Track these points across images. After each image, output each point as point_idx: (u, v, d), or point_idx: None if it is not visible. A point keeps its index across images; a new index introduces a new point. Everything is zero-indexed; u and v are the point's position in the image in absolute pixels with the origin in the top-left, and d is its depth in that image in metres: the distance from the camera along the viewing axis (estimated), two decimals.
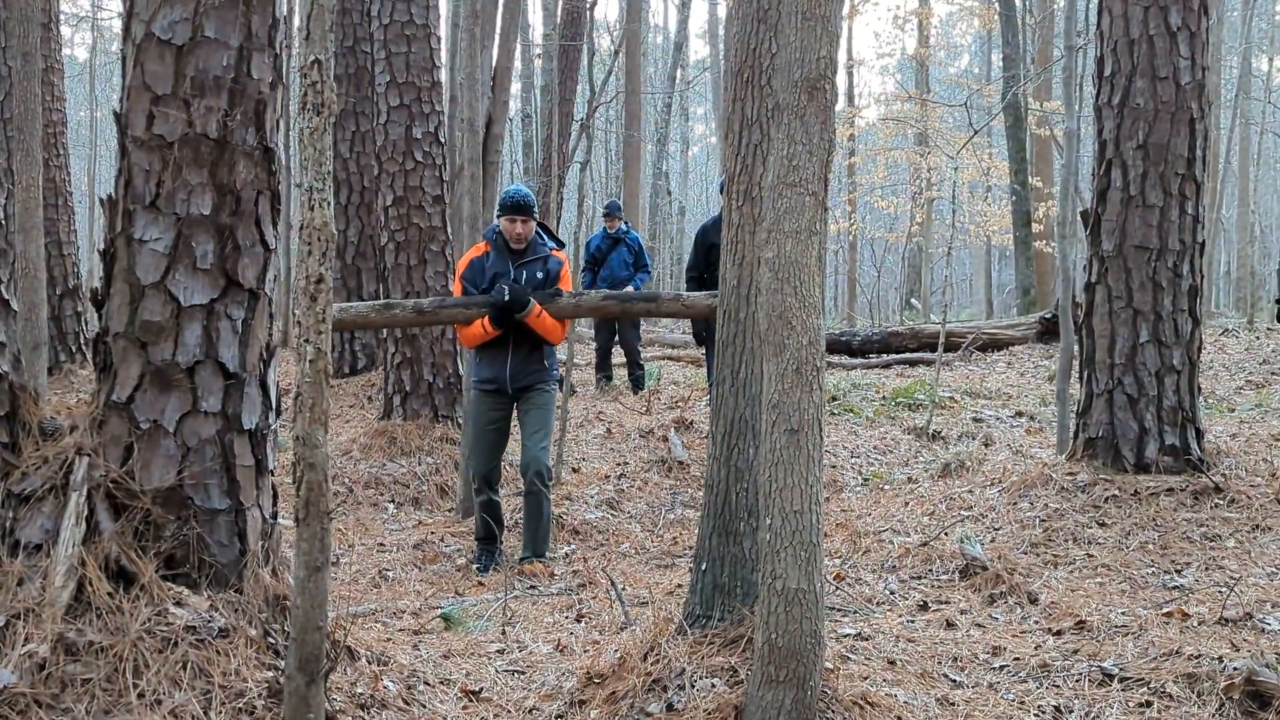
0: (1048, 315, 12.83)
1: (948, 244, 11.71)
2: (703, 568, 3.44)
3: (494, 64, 6.99)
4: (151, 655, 2.64)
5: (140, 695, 2.56)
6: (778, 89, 2.84)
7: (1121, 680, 3.40)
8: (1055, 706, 3.27)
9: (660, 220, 26.54)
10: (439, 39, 8.15)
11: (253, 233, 3.01)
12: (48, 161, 9.89)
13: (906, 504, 6.04)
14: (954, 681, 3.48)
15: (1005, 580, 4.46)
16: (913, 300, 24.06)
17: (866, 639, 3.87)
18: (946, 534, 5.19)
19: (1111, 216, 5.68)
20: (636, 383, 10.17)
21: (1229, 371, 10.60)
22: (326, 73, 2.43)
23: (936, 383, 9.02)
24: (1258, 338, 12.77)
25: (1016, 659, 3.65)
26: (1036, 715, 3.23)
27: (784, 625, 2.75)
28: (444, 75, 8.22)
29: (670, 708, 3.03)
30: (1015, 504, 5.49)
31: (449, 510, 6.51)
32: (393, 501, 6.60)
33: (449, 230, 7.79)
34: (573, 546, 5.85)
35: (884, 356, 12.58)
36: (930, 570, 4.80)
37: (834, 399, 9.47)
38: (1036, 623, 4.07)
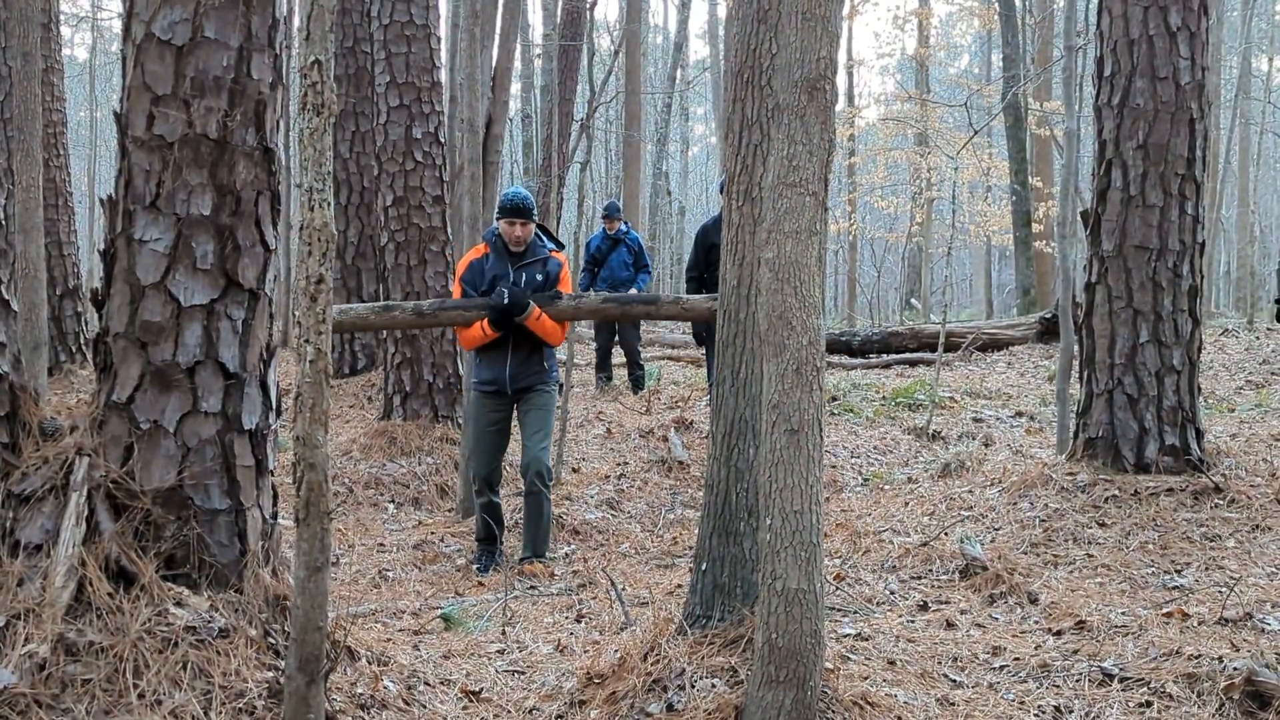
0: (1048, 315, 12.83)
1: (948, 244, 11.71)
2: (703, 568, 3.44)
3: (494, 64, 6.99)
4: (152, 655, 2.64)
5: (140, 695, 2.56)
6: (778, 89, 2.84)
7: (1121, 680, 3.40)
8: (1055, 706, 3.27)
9: (660, 220, 26.55)
10: (439, 39, 8.16)
11: (253, 233, 3.01)
12: (48, 162, 9.89)
13: (906, 504, 6.04)
14: (954, 681, 3.48)
15: (1005, 580, 4.46)
16: (913, 300, 24.06)
17: (866, 639, 3.87)
18: (946, 534, 5.19)
19: (1111, 216, 5.68)
20: (636, 383, 10.17)
21: (1229, 371, 10.60)
22: (326, 73, 2.43)
23: (936, 383, 9.02)
24: (1257, 338, 12.78)
25: (1016, 659, 3.65)
26: (1037, 715, 3.23)
27: (784, 625, 2.75)
28: (444, 75, 8.22)
29: (670, 708, 3.03)
30: (1015, 504, 5.49)
31: (449, 510, 6.51)
32: (393, 502, 6.60)
33: (449, 230, 7.79)
34: (573, 547, 5.85)
35: (884, 356, 12.58)
36: (930, 570, 4.80)
37: (834, 399, 9.47)
38: (1036, 623, 4.07)
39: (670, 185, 29.24)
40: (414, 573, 5.30)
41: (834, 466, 7.37)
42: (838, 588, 4.53)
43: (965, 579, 4.62)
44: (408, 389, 7.69)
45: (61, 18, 13.46)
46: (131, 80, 2.93)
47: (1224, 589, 4.24)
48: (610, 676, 3.29)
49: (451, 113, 7.49)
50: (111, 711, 2.53)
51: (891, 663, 3.60)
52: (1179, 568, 4.65)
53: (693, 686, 3.07)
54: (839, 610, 4.25)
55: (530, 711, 3.33)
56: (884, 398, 9.62)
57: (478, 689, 3.45)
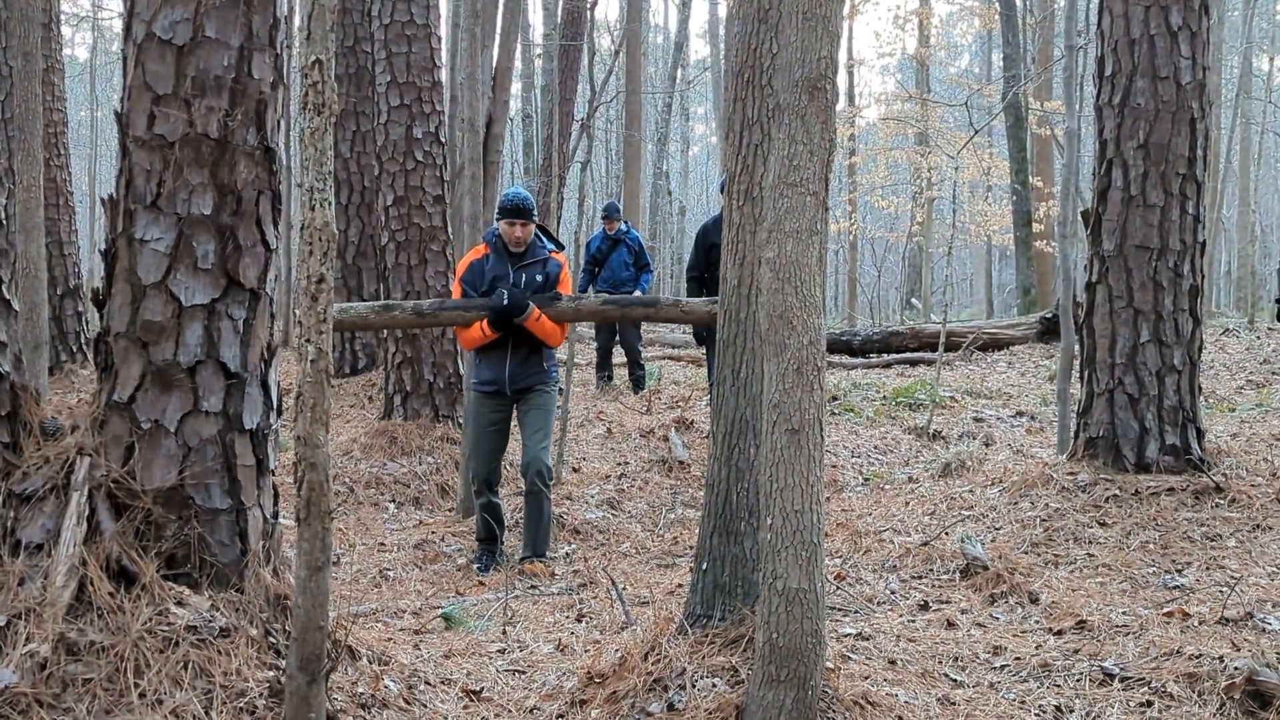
0: (1048, 315, 12.83)
1: (948, 244, 11.71)
2: (704, 567, 3.44)
3: (494, 64, 6.99)
4: (153, 655, 2.64)
5: (141, 695, 2.56)
6: (779, 89, 2.84)
7: (1122, 680, 3.40)
8: (1056, 706, 3.27)
9: (660, 220, 26.55)
10: (439, 39, 8.16)
11: (254, 232, 3.01)
12: (48, 161, 9.89)
13: (907, 504, 6.04)
14: (955, 681, 3.48)
15: (1006, 580, 4.46)
16: (913, 300, 24.05)
17: (867, 638, 3.87)
18: (947, 534, 5.19)
19: (1112, 216, 5.68)
20: (637, 383, 10.17)
21: (1230, 371, 10.60)
22: (327, 73, 2.43)
23: (937, 382, 9.02)
24: (1258, 337, 12.77)
25: (1017, 659, 3.65)
26: (1037, 715, 3.23)
27: (785, 625, 2.75)
28: (444, 75, 8.22)
29: (671, 707, 3.03)
30: (1016, 504, 5.49)
31: (450, 510, 6.51)
32: (393, 501, 6.60)
33: (449, 230, 7.79)
34: (573, 546, 5.85)
35: (884, 356, 12.58)
36: (931, 570, 4.80)
37: (835, 399, 9.47)
38: (1037, 622, 4.07)
39: (671, 185, 29.25)
40: (415, 572, 5.30)
41: (835, 466, 7.37)
42: (838, 587, 4.53)
43: (966, 578, 4.62)
44: (408, 388, 7.69)
45: (62, 17, 13.46)
46: (132, 80, 2.93)
47: (1225, 589, 4.24)
48: (611, 676, 3.29)
49: (452, 112, 7.49)
50: (112, 711, 2.53)
51: (892, 662, 3.60)
52: (1180, 567, 4.65)
53: (694, 686, 3.08)
54: (840, 610, 4.25)
55: (531, 711, 3.33)
56: (884, 397, 9.62)
57: (479, 688, 3.45)
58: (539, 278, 5.38)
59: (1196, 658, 3.45)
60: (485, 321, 5.22)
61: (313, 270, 2.44)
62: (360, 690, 2.99)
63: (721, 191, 5.06)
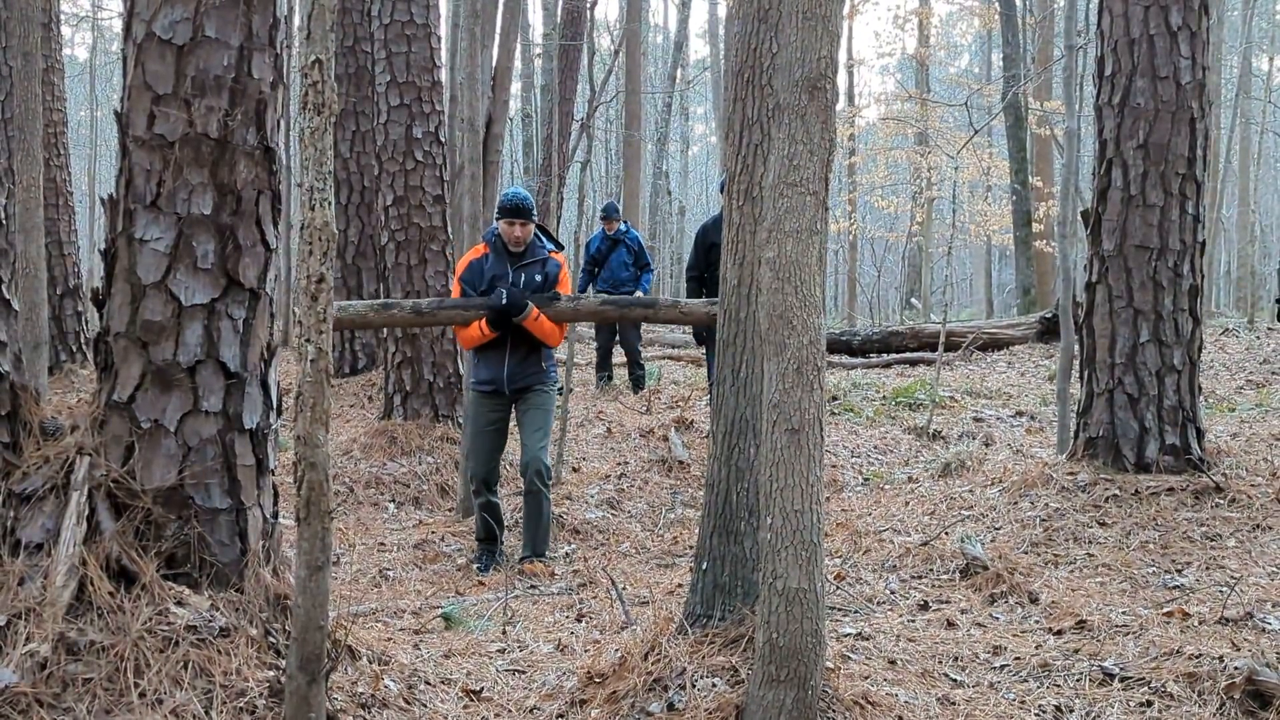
0: (1048, 315, 12.83)
1: (948, 243, 11.71)
2: (703, 567, 3.44)
3: (494, 63, 6.99)
4: (153, 655, 2.64)
5: (141, 695, 2.56)
6: (778, 88, 2.84)
7: (1122, 680, 3.40)
8: (1056, 706, 3.27)
9: (660, 220, 26.55)
10: (439, 38, 8.16)
11: (254, 232, 3.00)
12: (48, 161, 9.89)
13: (907, 503, 6.05)
14: (955, 681, 3.48)
15: (1006, 580, 4.46)
16: (913, 300, 24.05)
17: (867, 638, 3.87)
18: (947, 533, 5.19)
19: (1112, 216, 5.68)
20: (637, 382, 10.17)
21: (1229, 371, 10.60)
22: (327, 72, 2.43)
23: (937, 382, 9.02)
24: (1258, 337, 12.78)
25: (1017, 658, 3.65)
26: (1037, 715, 3.23)
27: (785, 625, 2.75)
28: (444, 75, 8.22)
29: (671, 707, 3.03)
30: (1016, 503, 5.49)
31: (449, 510, 6.51)
32: (393, 501, 6.60)
33: (449, 230, 7.79)
34: (573, 546, 5.85)
35: (884, 356, 12.58)
36: (931, 570, 4.80)
37: (834, 399, 9.47)
38: (1037, 622, 4.07)
39: (670, 185, 29.25)
40: (414, 572, 5.30)
41: (834, 466, 7.37)
42: (838, 587, 4.53)
43: (966, 578, 4.62)
44: (408, 388, 7.69)
45: (62, 17, 13.46)
46: (132, 79, 2.93)
47: (1225, 588, 4.24)
48: (611, 676, 3.29)
49: (452, 112, 7.49)
50: (112, 710, 2.53)
51: (892, 662, 3.60)
52: (1180, 567, 4.65)
53: (693, 686, 3.07)
54: (840, 609, 4.25)
55: (531, 711, 3.33)
56: (884, 397, 9.62)
57: (478, 688, 3.45)
58: (538, 277, 5.38)
59: (1196, 657, 3.45)
60: (484, 321, 5.22)
61: (312, 270, 2.44)
62: (360, 690, 2.99)
63: (721, 191, 5.06)
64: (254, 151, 2.98)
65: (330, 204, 2.44)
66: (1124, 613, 4.07)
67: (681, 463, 7.38)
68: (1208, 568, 4.62)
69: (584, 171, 9.76)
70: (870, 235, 25.72)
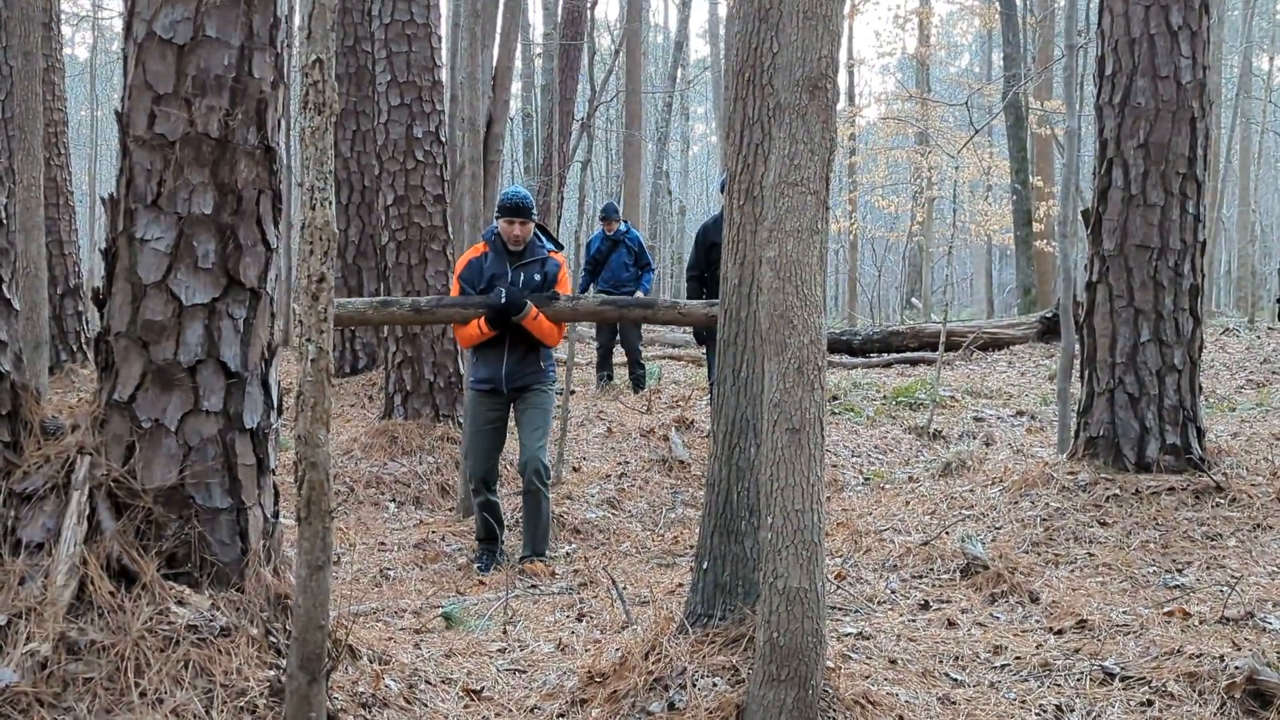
0: (1048, 314, 12.83)
1: (948, 243, 11.74)
2: (704, 567, 3.44)
3: (495, 63, 6.99)
4: (153, 654, 2.64)
5: (142, 694, 2.56)
6: (779, 88, 2.84)
7: (1123, 679, 3.40)
8: (1056, 705, 3.27)
9: (660, 220, 26.55)
10: (440, 38, 8.16)
11: (254, 232, 3.00)
12: (49, 161, 9.89)
13: (907, 503, 6.04)
14: (955, 680, 3.48)
15: (1006, 579, 4.46)
16: (913, 299, 24.05)
17: (868, 638, 3.87)
18: (947, 533, 5.19)
19: (1113, 215, 5.68)
20: (637, 382, 10.17)
21: (1230, 370, 10.60)
22: (328, 72, 2.43)
23: (937, 382, 9.02)
24: (1258, 337, 12.77)
25: (1018, 658, 3.65)
26: (1038, 714, 3.23)
27: (785, 624, 2.75)
28: (445, 74, 8.22)
29: (672, 706, 3.03)
30: (1016, 503, 5.49)
31: (450, 509, 6.51)
32: (394, 501, 6.60)
33: (450, 229, 7.79)
34: (574, 546, 5.85)
35: (885, 356, 12.58)
36: (931, 569, 4.80)
37: (835, 398, 9.47)
38: (1038, 622, 4.07)
39: (671, 184, 29.25)
40: (415, 572, 5.30)
41: (835, 465, 7.37)
42: (839, 587, 4.53)
43: (966, 578, 4.62)
44: (409, 388, 7.69)
45: (62, 17, 13.46)
46: (133, 79, 2.93)
47: (1225, 588, 4.24)
48: (612, 675, 3.29)
49: (452, 112, 7.50)
50: (113, 710, 2.53)
51: (893, 661, 3.60)
52: (1180, 567, 4.65)
53: (694, 685, 3.07)
54: (840, 609, 4.25)
55: (532, 710, 3.33)
56: (885, 397, 9.62)
57: (479, 688, 3.45)
58: (537, 277, 5.38)
59: (1197, 657, 3.45)
60: (482, 319, 5.22)
61: (313, 269, 2.44)
62: (361, 689, 2.99)
63: (722, 191, 5.06)
64: (255, 151, 2.98)
65: (331, 203, 2.44)
66: (1125, 612, 4.07)
67: (682, 462, 7.38)
68: (1208, 567, 4.62)
69: (584, 171, 9.76)
70: (871, 235, 25.72)
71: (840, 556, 5.09)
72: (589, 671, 3.40)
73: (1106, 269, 5.68)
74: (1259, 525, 5.00)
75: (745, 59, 3.44)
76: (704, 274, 8.17)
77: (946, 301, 12.07)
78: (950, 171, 17.09)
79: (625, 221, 10.41)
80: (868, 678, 3.36)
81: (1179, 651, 3.52)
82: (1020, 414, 8.78)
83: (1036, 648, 3.75)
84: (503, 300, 5.17)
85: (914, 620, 4.14)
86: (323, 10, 2.42)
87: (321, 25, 2.42)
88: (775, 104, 2.87)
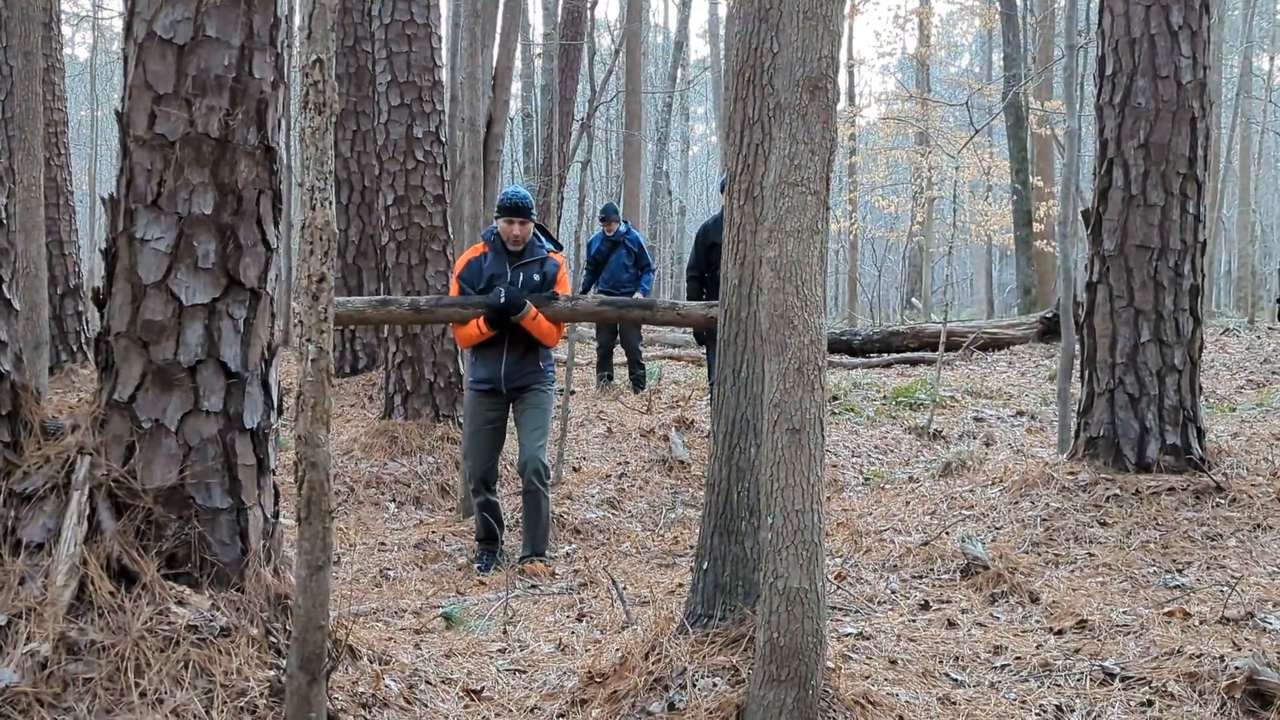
0: (1049, 315, 12.83)
1: (948, 243, 11.75)
2: (704, 567, 3.44)
3: (494, 63, 6.99)
4: (153, 654, 2.64)
5: (142, 694, 2.56)
6: (779, 88, 2.84)
7: (1123, 679, 3.40)
8: (1057, 705, 3.27)
9: (660, 220, 26.55)
10: (440, 38, 8.16)
11: (254, 232, 3.00)
12: (49, 161, 9.89)
13: (908, 503, 6.04)
14: (955, 681, 3.48)
15: (1006, 579, 4.46)
16: (913, 300, 24.05)
17: (868, 638, 3.87)
18: (948, 533, 5.19)
19: (1113, 216, 5.68)
20: (637, 382, 10.17)
21: (1230, 371, 10.60)
22: (328, 72, 2.43)
23: (937, 382, 9.02)
24: (1259, 337, 12.77)
25: (1018, 658, 3.64)
26: (1038, 714, 3.23)
27: (786, 624, 2.75)
28: (445, 75, 8.22)
29: (672, 707, 3.03)
30: (1016, 503, 5.49)
31: (450, 510, 6.51)
32: (394, 501, 6.60)
33: (450, 229, 7.79)
34: (574, 546, 5.85)
35: (885, 356, 12.58)
36: (931, 569, 4.80)
37: (835, 398, 9.47)
38: (1038, 622, 4.07)
39: (671, 185, 29.26)
40: (415, 572, 5.30)
41: (835, 466, 7.37)
42: (839, 587, 4.53)
43: (966, 578, 4.62)
44: (409, 388, 7.69)
45: (62, 17, 13.46)
46: (133, 79, 2.93)
47: (1225, 588, 4.24)
48: (612, 675, 3.29)
49: (452, 112, 7.50)
50: (113, 710, 2.53)
51: (893, 662, 3.60)
52: (1180, 567, 4.65)
53: (694, 685, 3.07)
54: (840, 609, 4.25)
55: (532, 710, 3.33)
56: (885, 397, 9.62)
57: (479, 688, 3.45)
58: (536, 277, 5.38)
59: (1197, 657, 3.45)
60: (482, 319, 5.22)
61: (313, 269, 2.44)
62: (361, 690, 2.99)
63: (722, 191, 5.06)
64: (255, 151, 2.98)
65: (331, 203, 2.44)
66: (1125, 612, 4.07)
67: (682, 462, 7.38)
68: (1208, 567, 4.62)
69: (584, 171, 9.76)
70: (871, 235, 25.71)
71: (840, 556, 5.09)
72: (589, 671, 3.40)
73: (1107, 269, 5.68)
74: (1259, 525, 5.00)
75: (745, 59, 3.44)
76: (704, 274, 8.17)
77: (946, 301, 12.07)
78: (950, 171, 17.09)
79: (626, 222, 10.41)
80: (868, 678, 3.36)
81: (1179, 652, 3.52)
82: (1020, 414, 8.78)
83: (1036, 648, 3.75)
84: (502, 300, 5.17)
85: (914, 620, 4.14)
86: (323, 10, 2.42)
87: (321, 25, 2.42)
88: (775, 104, 2.87)
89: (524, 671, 3.72)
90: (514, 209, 5.32)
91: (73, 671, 2.55)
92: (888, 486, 6.75)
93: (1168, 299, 5.56)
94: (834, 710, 2.94)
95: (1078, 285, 6.35)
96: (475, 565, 5.38)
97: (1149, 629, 3.82)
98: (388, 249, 7.97)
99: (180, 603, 2.78)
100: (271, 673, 2.76)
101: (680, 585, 4.63)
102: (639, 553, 5.72)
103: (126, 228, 2.92)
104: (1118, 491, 5.32)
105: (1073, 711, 3.24)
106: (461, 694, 3.38)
